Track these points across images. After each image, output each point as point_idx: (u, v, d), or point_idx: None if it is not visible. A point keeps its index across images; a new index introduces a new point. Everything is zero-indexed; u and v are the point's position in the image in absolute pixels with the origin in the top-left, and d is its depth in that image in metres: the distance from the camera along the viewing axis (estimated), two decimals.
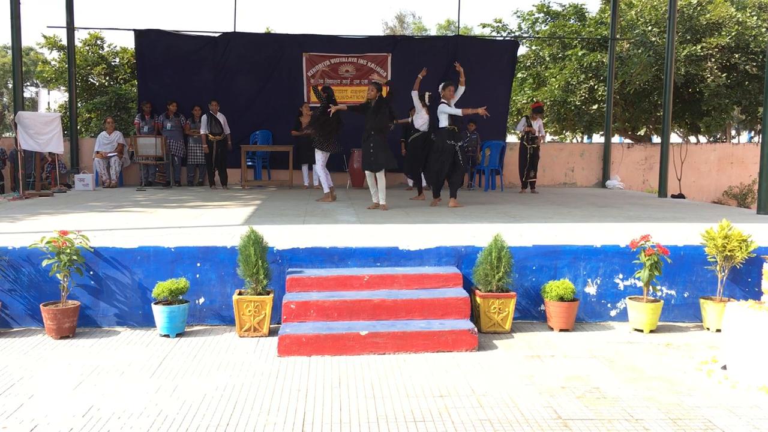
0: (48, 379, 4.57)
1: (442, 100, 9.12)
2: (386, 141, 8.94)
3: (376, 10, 62.91)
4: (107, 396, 4.25)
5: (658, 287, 6.16)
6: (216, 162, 12.46)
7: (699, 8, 16.27)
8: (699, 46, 15.64)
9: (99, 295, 5.86)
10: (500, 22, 19.63)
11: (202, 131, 12.36)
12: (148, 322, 5.81)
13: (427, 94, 10.04)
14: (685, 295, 6.27)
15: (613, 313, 6.24)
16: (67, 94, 15.89)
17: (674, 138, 21.11)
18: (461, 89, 9.28)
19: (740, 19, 15.81)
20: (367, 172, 9.12)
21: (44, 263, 5.53)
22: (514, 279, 5.99)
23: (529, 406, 4.15)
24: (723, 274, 6.04)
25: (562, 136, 22.95)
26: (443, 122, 9.06)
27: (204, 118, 12.37)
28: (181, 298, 5.65)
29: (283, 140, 13.18)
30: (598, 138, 21.97)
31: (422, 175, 10.71)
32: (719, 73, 15.51)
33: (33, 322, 5.79)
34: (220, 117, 12.47)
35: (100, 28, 18.03)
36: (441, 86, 9.18)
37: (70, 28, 13.35)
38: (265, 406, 4.12)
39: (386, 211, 8.72)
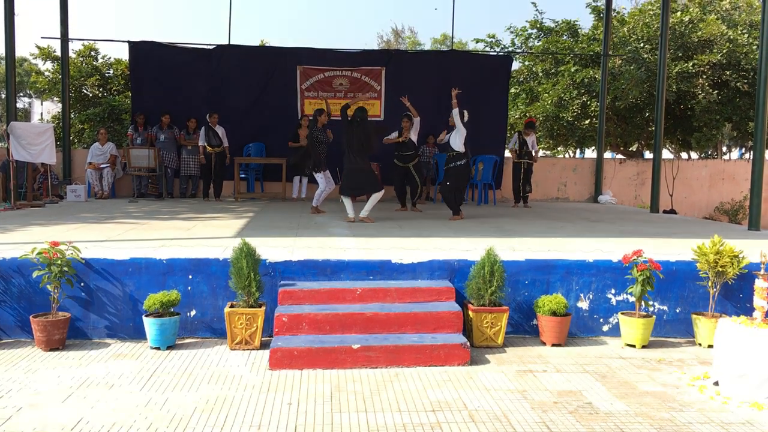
0: (37, 391, 4.53)
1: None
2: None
3: (371, 25, 63.23)
4: (97, 409, 4.22)
5: (651, 302, 6.17)
6: (213, 174, 12.49)
7: (691, 26, 16.41)
8: (690, 63, 15.76)
9: (89, 306, 5.82)
10: (494, 37, 19.73)
11: (201, 143, 12.41)
12: (138, 334, 5.77)
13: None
14: (677, 311, 6.29)
15: (605, 328, 6.24)
16: (60, 105, 15.85)
17: (666, 154, 21.21)
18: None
19: (731, 37, 15.94)
20: None
21: (35, 274, 5.49)
22: (507, 293, 5.99)
23: (521, 422, 4.14)
24: (715, 289, 6.05)
25: (555, 151, 23.03)
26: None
27: (202, 130, 12.43)
28: (172, 310, 5.62)
29: (276, 152, 13.18)
30: (590, 153, 22.07)
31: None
32: (710, 90, 15.62)
33: (23, 334, 5.74)
34: (219, 130, 12.50)
35: (95, 40, 17.99)
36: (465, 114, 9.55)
37: (64, 39, 13.35)
38: (256, 420, 4.10)
39: (379, 224, 8.72)
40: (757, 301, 5.05)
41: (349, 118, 9.00)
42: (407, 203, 11.06)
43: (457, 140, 9.42)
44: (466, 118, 9.50)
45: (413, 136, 10.58)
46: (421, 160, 11.53)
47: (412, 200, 10.96)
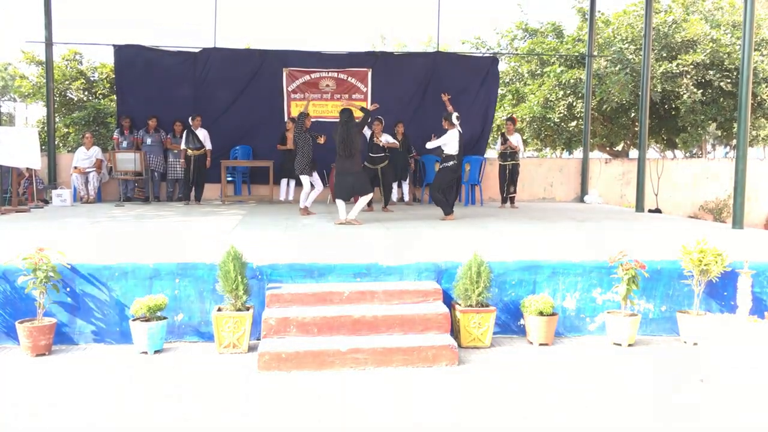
0: (22, 397, 4.50)
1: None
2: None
3: (358, 26, 63.19)
4: (83, 415, 4.20)
5: (636, 301, 6.21)
6: (192, 177, 12.43)
7: (674, 26, 16.54)
8: (675, 63, 15.89)
9: (76, 312, 5.80)
10: (479, 39, 19.82)
11: (182, 146, 12.37)
12: (125, 339, 5.75)
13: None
14: (663, 309, 6.34)
15: (591, 327, 6.28)
16: (45, 109, 15.74)
17: (651, 153, 21.35)
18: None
19: (714, 37, 16.09)
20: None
21: (20, 280, 5.46)
22: (494, 294, 6.02)
23: (510, 421, 4.16)
24: (699, 288, 6.11)
25: (543, 154, 23.13)
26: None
27: (184, 133, 12.39)
28: (159, 314, 5.60)
29: (263, 155, 13.17)
30: (579, 154, 22.19)
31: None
32: (695, 90, 15.75)
33: (8, 340, 5.71)
34: (201, 132, 12.45)
35: (79, 43, 17.94)
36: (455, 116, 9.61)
37: (49, 44, 13.27)
38: (244, 423, 4.09)
39: (366, 226, 8.73)
40: (741, 298, 5.11)
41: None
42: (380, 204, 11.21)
43: (453, 143, 9.52)
44: (457, 120, 9.65)
45: (383, 139, 11.12)
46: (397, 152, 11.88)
47: (384, 201, 11.18)
